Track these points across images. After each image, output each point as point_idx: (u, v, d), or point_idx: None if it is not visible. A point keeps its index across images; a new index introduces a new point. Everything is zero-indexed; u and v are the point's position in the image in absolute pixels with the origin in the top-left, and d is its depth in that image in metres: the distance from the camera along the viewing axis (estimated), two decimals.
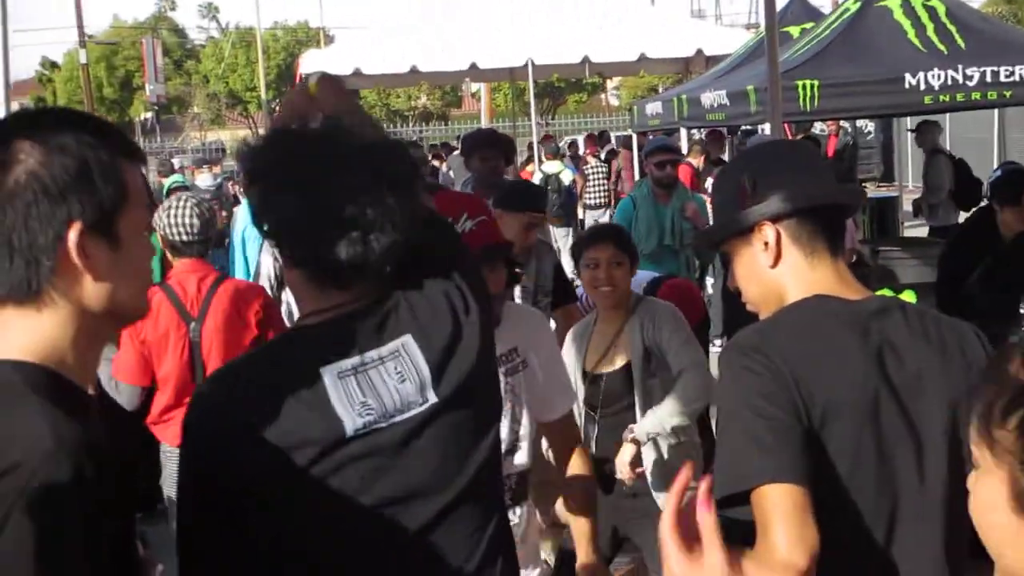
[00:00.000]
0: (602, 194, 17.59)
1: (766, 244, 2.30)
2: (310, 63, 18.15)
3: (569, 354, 4.53)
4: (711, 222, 2.88)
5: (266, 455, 1.99)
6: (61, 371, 1.72)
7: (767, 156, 2.53)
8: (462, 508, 2.18)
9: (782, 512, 1.96)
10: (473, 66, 16.44)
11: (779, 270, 2.30)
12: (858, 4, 9.42)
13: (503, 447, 3.18)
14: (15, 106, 5.91)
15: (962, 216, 11.43)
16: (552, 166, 16.37)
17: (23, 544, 1.53)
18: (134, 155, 1.81)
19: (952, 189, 12.01)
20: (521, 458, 3.42)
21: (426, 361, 2.15)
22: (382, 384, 2.12)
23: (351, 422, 2.06)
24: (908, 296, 2.42)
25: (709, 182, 11.30)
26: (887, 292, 2.41)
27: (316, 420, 2.03)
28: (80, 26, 39.50)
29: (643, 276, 5.84)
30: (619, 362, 4.46)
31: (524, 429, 3.41)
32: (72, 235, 1.68)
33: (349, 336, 2.13)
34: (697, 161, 13.19)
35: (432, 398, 2.15)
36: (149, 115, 49.44)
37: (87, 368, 1.81)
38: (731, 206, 2.36)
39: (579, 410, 4.42)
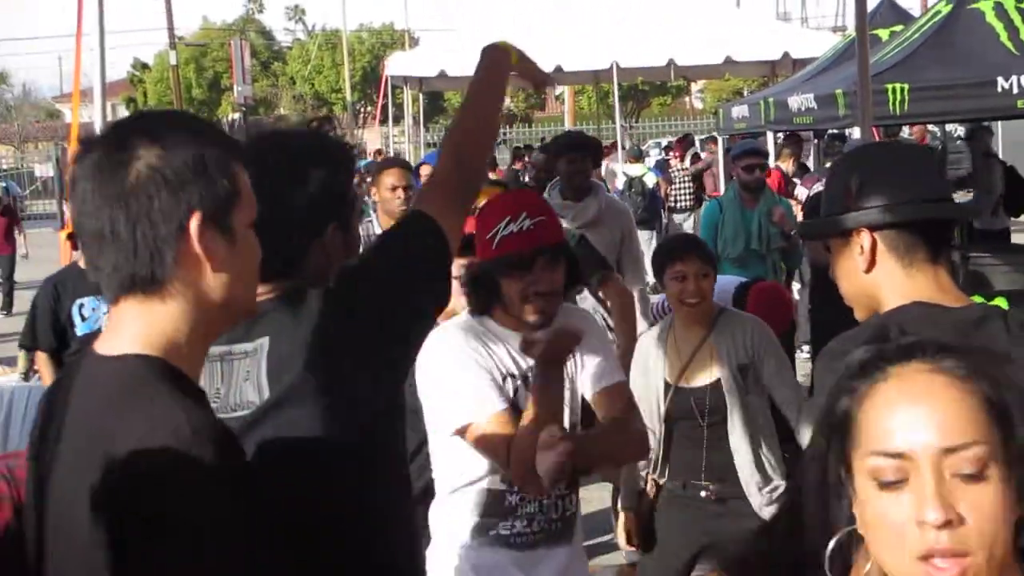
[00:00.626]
0: (687, 198, 17.50)
1: (861, 249, 2.30)
2: (396, 65, 18.36)
3: (647, 363, 4.50)
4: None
5: None
6: (177, 364, 1.77)
7: (878, 159, 2.50)
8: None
9: None
10: (558, 68, 16.45)
11: (873, 276, 2.30)
12: (949, 6, 9.27)
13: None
14: (108, 107, 6.06)
15: (1010, 221, 11.33)
16: (635, 169, 16.33)
17: (182, 528, 1.61)
18: (241, 154, 1.87)
19: (1003, 194, 11.87)
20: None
21: (267, 367, 2.23)
22: (234, 378, 2.25)
23: None
24: (1000, 303, 2.38)
25: (799, 187, 11.21)
26: (978, 299, 2.39)
27: None
28: (170, 28, 40.25)
29: (729, 280, 5.85)
30: (707, 376, 4.39)
31: (578, 412, 3.39)
32: (194, 224, 1.73)
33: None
34: (787, 165, 13.07)
35: (258, 402, 2.23)
36: (236, 116, 50.09)
37: (197, 362, 1.86)
38: (836, 204, 2.36)
39: (657, 423, 4.40)
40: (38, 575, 1.84)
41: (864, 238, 2.29)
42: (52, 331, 6.12)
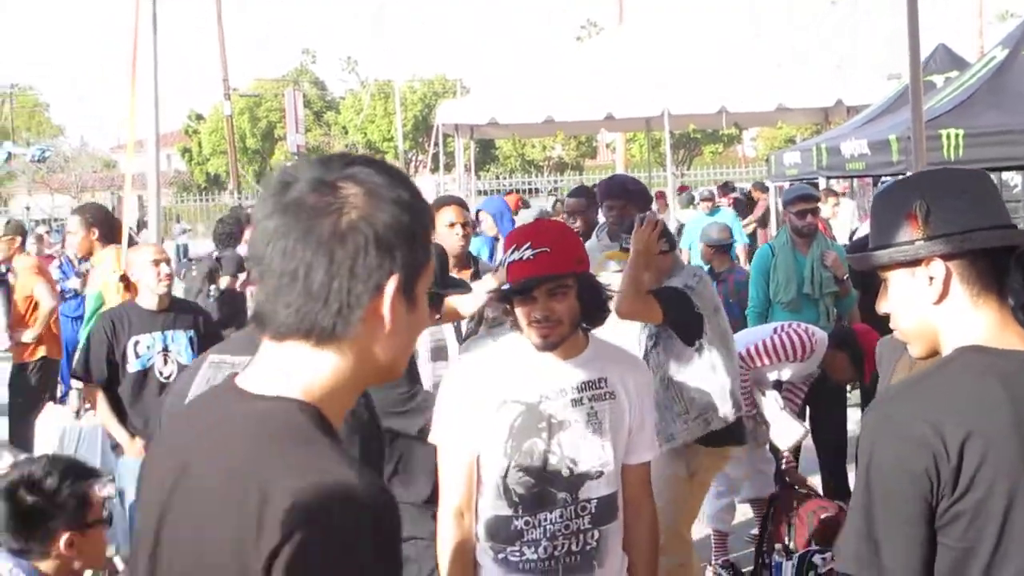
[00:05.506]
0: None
1: (931, 279, 2.21)
2: (446, 114, 18.48)
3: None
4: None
5: None
6: (326, 415, 1.74)
7: (943, 183, 2.34)
8: None
9: None
10: (609, 116, 16.54)
11: (942, 308, 2.21)
12: (1005, 52, 9.25)
13: (589, 470, 3.35)
14: (162, 156, 6.18)
15: None
16: (686, 215, 16.32)
17: None
18: (432, 221, 1.84)
19: None
20: (603, 484, 3.43)
21: None
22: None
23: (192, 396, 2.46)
24: None
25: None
26: None
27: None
28: (225, 79, 40.83)
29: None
30: None
31: (608, 455, 3.43)
32: (390, 286, 1.68)
33: (246, 340, 2.52)
34: (831, 212, 12.99)
35: None
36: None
37: (340, 415, 1.81)
38: (897, 230, 2.25)
39: None
40: None
41: (936, 267, 2.20)
42: (106, 364, 6.16)
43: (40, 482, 3.46)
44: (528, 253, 3.30)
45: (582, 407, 3.36)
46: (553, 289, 3.29)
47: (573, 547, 3.35)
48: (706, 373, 5.35)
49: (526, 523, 3.31)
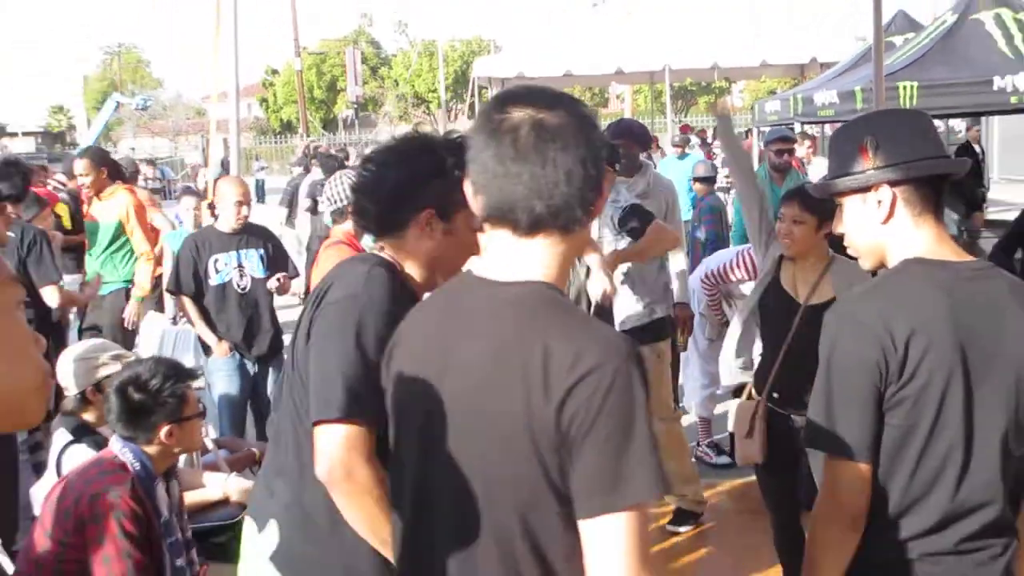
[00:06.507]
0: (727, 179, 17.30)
1: (879, 203, 2.21)
2: (481, 68, 18.36)
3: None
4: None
5: None
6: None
7: (890, 121, 2.34)
8: None
9: None
10: (619, 70, 16.40)
11: (888, 227, 2.22)
12: (954, 17, 9.12)
13: None
14: (243, 105, 6.15)
15: None
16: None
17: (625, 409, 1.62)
18: None
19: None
20: None
21: None
22: None
23: None
24: None
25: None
26: None
27: None
28: (296, 39, 40.60)
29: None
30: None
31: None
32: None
33: None
34: (804, 153, 12.87)
35: None
36: (350, 112, 50.34)
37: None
38: (851, 162, 2.25)
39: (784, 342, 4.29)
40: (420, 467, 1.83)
41: (884, 192, 2.20)
42: (193, 280, 6.18)
43: (146, 383, 3.50)
44: None
45: None
46: None
47: None
48: (654, 270, 5.55)
49: None
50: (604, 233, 5.07)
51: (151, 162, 34.65)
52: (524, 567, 1.69)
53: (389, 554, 2.17)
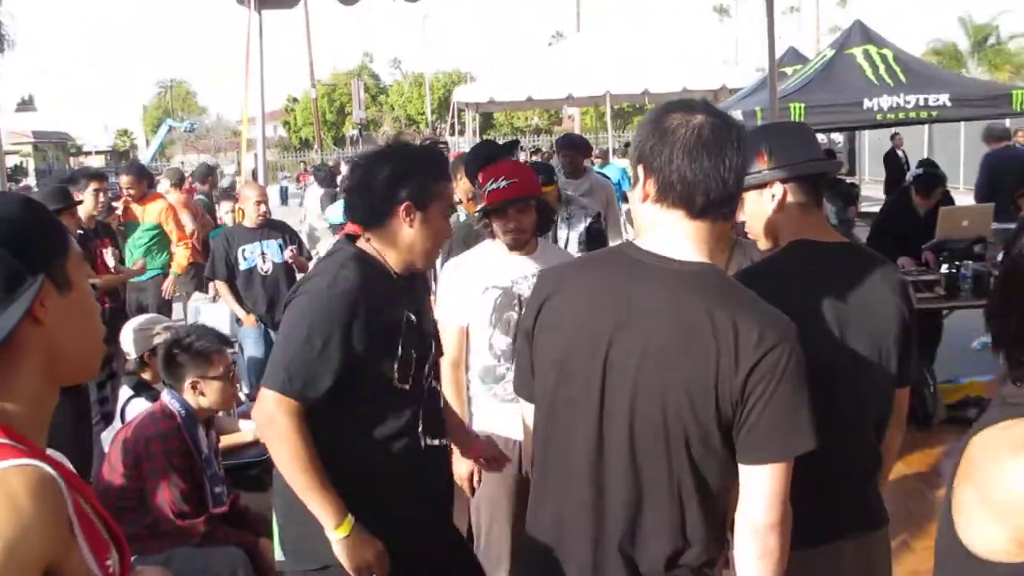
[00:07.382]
0: None
1: (773, 196, 2.20)
2: (460, 95, 18.27)
3: None
4: None
5: None
6: None
7: (780, 131, 2.41)
8: None
9: None
10: (569, 96, 16.35)
11: (779, 216, 2.21)
12: (832, 52, 9.23)
13: None
14: (269, 127, 6.11)
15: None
16: (622, 162, 16.17)
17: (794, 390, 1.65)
18: None
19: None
20: None
21: None
22: None
23: None
24: None
25: None
26: None
27: None
28: (311, 74, 40.21)
29: None
30: None
31: None
32: None
33: None
34: None
35: None
36: (355, 132, 50.00)
37: None
38: (751, 164, 2.21)
39: None
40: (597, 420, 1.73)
41: (776, 188, 2.19)
42: (225, 267, 6.21)
43: (180, 340, 3.50)
44: (503, 183, 3.22)
45: None
46: (521, 207, 3.22)
47: None
48: None
49: (507, 368, 3.24)
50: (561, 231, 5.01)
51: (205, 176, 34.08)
52: (687, 496, 1.71)
53: (311, 498, 2.30)
